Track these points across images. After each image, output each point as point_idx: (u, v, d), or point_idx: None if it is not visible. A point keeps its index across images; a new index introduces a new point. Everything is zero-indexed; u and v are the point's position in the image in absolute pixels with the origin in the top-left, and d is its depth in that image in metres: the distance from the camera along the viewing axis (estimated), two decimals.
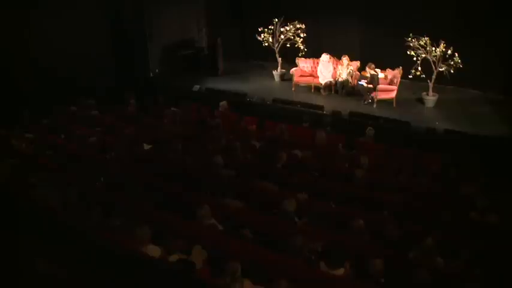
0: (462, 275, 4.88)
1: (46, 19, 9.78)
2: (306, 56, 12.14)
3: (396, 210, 5.99)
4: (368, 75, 10.75)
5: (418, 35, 10.16)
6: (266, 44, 12.27)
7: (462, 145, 8.62)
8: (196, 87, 11.72)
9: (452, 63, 9.85)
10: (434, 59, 10.10)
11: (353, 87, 11.17)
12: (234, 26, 13.89)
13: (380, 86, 10.60)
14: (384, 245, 5.20)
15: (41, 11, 9.68)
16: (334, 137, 8.62)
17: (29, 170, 6.61)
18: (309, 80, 11.74)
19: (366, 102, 10.66)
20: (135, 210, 5.78)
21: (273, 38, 12.20)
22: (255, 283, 4.58)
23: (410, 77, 10.36)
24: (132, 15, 11.84)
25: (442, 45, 9.90)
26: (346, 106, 10.36)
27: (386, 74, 11.04)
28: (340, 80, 11.18)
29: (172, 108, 9.76)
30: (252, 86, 11.91)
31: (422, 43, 10.12)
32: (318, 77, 11.49)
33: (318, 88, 11.52)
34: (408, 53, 10.24)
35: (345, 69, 11.18)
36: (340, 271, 4.89)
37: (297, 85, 11.70)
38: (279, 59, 12.39)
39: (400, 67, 10.84)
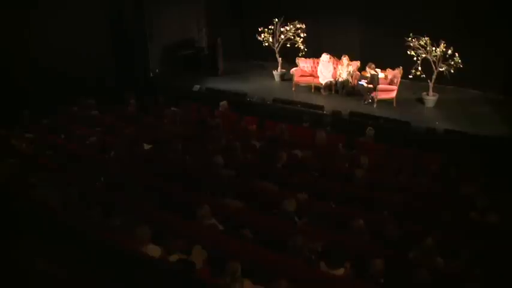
0: (462, 275, 4.88)
1: (46, 19, 9.78)
2: (306, 56, 12.14)
3: (396, 210, 5.99)
4: (368, 75, 10.75)
5: (418, 35, 10.16)
6: (266, 44, 12.27)
7: (462, 145, 8.63)
8: (197, 87, 11.72)
9: (452, 63, 9.85)
10: (434, 59, 10.10)
11: (353, 87, 11.16)
12: (234, 26, 13.90)
13: (380, 86, 10.60)
14: (384, 245, 5.20)
15: (41, 11, 9.68)
16: (334, 137, 8.62)
17: (29, 170, 6.61)
18: (309, 80, 11.74)
19: (366, 102, 10.66)
20: (135, 210, 5.78)
21: (273, 38, 12.21)
22: (255, 283, 4.58)
23: (411, 77, 10.36)
24: (132, 15, 11.84)
25: (442, 45, 9.90)
26: (346, 106, 10.36)
27: (386, 74, 11.05)
28: (340, 80, 11.18)
29: (173, 108, 9.77)
30: (252, 86, 11.91)
31: (422, 43, 10.12)
32: (318, 77, 11.49)
33: (318, 88, 11.53)
34: (408, 53, 10.24)
35: (345, 69, 11.18)
36: (340, 271, 4.89)
37: (297, 85, 11.70)
38: (279, 59, 12.39)
39: (400, 67, 10.84)
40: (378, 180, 6.85)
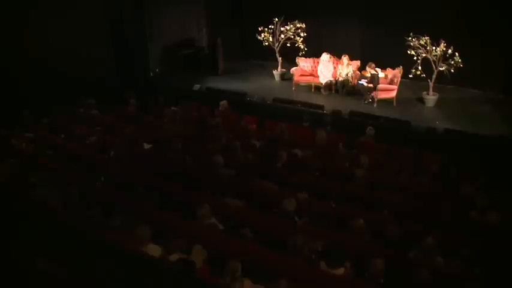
0: (462, 274, 4.88)
1: (46, 19, 9.77)
2: (306, 56, 12.14)
3: (396, 209, 5.99)
4: (368, 74, 10.75)
5: (418, 35, 10.15)
6: (266, 44, 12.27)
7: (462, 144, 8.62)
8: (197, 86, 11.72)
9: (452, 62, 9.85)
10: (434, 58, 10.09)
11: (353, 86, 11.16)
12: (234, 25, 13.89)
13: (380, 86, 10.60)
14: (384, 245, 5.20)
15: (41, 11, 9.67)
16: (334, 136, 8.62)
17: (29, 170, 6.61)
18: (309, 79, 11.74)
19: (366, 102, 10.66)
20: (135, 210, 5.78)
21: (273, 37, 12.20)
22: (255, 282, 4.58)
23: (411, 76, 10.35)
24: (132, 15, 11.84)
25: (442, 45, 9.90)
26: (346, 105, 10.35)
27: (386, 73, 11.04)
28: (340, 79, 11.18)
29: (173, 108, 9.77)
30: (252, 86, 11.91)
31: (422, 42, 10.11)
32: (318, 77, 11.49)
33: (318, 87, 11.53)
34: (408, 52, 10.23)
35: (345, 68, 11.17)
36: (341, 271, 4.89)
37: (297, 84, 11.70)
38: (279, 59, 12.39)
39: (401, 66, 10.84)
40: (378, 179, 6.85)
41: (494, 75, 10.82)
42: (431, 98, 10.51)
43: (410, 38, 10.18)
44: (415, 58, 10.20)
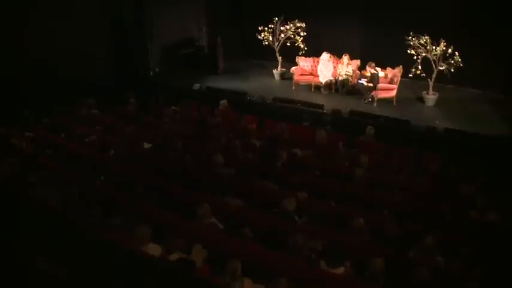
0: (462, 274, 4.88)
1: (46, 19, 9.77)
2: (306, 55, 12.13)
3: (396, 209, 6.00)
4: (368, 74, 10.75)
5: (418, 34, 10.15)
6: (266, 43, 12.26)
7: (462, 144, 8.62)
8: (197, 86, 11.71)
9: (452, 62, 9.85)
10: (434, 57, 10.09)
11: (353, 86, 11.16)
12: (234, 25, 13.88)
13: (380, 85, 10.59)
14: (384, 244, 5.20)
15: (41, 11, 9.67)
16: (334, 136, 8.62)
17: (29, 169, 6.61)
18: (309, 78, 11.74)
19: (366, 101, 10.66)
20: (135, 209, 5.78)
21: (273, 36, 12.20)
22: (255, 282, 4.58)
23: (411, 75, 10.36)
24: (132, 15, 11.84)
25: (442, 44, 9.90)
26: (346, 105, 10.35)
27: (386, 72, 11.04)
28: (340, 78, 11.18)
29: (173, 107, 9.77)
30: (252, 85, 11.91)
31: (422, 42, 10.11)
32: (318, 76, 11.49)
33: (318, 87, 11.52)
34: (408, 51, 10.23)
35: (345, 68, 11.17)
36: (340, 270, 4.89)
37: (297, 84, 11.69)
38: (279, 58, 12.38)
39: (401, 66, 10.84)
40: (378, 179, 6.85)
41: (494, 75, 10.81)
42: (431, 97, 10.51)
43: (410, 38, 10.18)
44: (415, 57, 10.20)
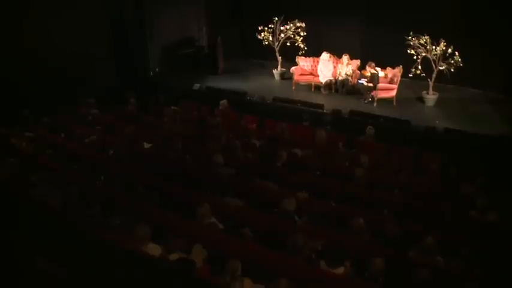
0: (462, 274, 4.88)
1: (46, 19, 9.77)
2: (306, 55, 12.14)
3: (396, 209, 6.00)
4: (368, 74, 10.75)
5: (418, 34, 10.15)
6: (266, 43, 12.26)
7: (462, 144, 8.62)
8: (197, 86, 11.71)
9: (452, 62, 9.85)
10: (434, 57, 10.09)
11: (353, 86, 11.16)
12: (234, 25, 13.89)
13: (380, 85, 10.59)
14: (384, 244, 5.20)
15: (41, 11, 9.67)
16: (334, 135, 8.62)
17: (29, 169, 6.60)
18: (309, 78, 11.74)
19: (366, 101, 10.66)
20: (135, 209, 5.78)
21: (273, 36, 12.20)
22: (255, 282, 4.58)
23: (411, 75, 10.36)
24: (132, 15, 11.83)
25: (442, 44, 9.90)
26: (346, 105, 10.35)
27: (386, 72, 11.04)
28: (340, 78, 11.18)
29: (173, 107, 9.77)
30: (252, 85, 11.90)
31: (422, 42, 10.11)
32: (318, 76, 11.49)
33: (318, 87, 11.53)
34: (408, 51, 10.23)
35: (345, 67, 11.17)
36: (340, 270, 4.89)
37: (297, 84, 11.69)
38: (279, 58, 12.38)
39: (401, 66, 10.84)
40: (378, 179, 6.85)
41: (494, 74, 10.82)
42: (431, 97, 10.51)
43: (410, 37, 10.18)
44: (415, 57, 10.20)
